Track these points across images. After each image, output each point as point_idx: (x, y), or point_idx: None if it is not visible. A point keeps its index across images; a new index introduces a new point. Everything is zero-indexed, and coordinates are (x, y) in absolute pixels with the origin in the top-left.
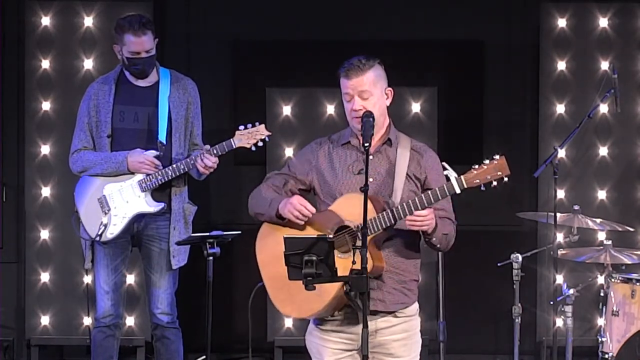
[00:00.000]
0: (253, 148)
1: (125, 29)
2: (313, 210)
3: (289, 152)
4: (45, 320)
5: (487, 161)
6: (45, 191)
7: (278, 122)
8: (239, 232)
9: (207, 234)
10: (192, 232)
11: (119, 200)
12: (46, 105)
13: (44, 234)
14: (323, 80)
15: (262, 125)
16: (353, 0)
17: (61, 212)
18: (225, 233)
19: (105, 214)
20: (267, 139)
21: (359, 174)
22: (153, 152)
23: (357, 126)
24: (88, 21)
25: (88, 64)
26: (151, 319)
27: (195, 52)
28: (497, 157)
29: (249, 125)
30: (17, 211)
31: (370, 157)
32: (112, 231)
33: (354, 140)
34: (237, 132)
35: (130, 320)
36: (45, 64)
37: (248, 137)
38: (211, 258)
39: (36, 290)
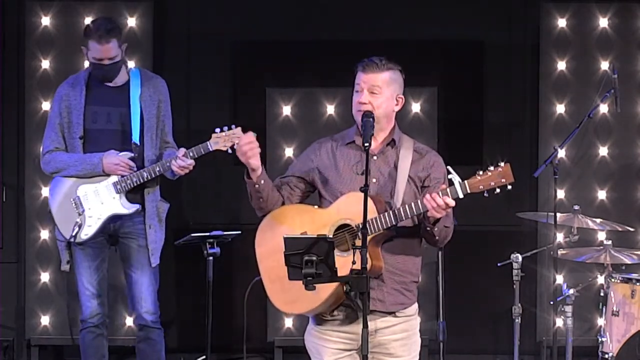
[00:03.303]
0: (229, 151)
1: (90, 34)
2: (252, 135)
3: (289, 152)
4: (45, 320)
5: (491, 167)
6: (45, 191)
7: (278, 122)
8: (239, 232)
9: (207, 234)
10: (193, 233)
11: (93, 201)
12: (46, 105)
13: (44, 234)
14: (323, 80)
15: (239, 129)
16: (353, 0)
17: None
18: (225, 233)
19: (80, 214)
20: None
21: (363, 174)
22: (128, 154)
23: (358, 119)
24: (88, 21)
25: (88, 64)
26: (135, 320)
27: (195, 52)
28: (502, 164)
29: (225, 128)
30: (17, 211)
31: (374, 157)
32: (87, 232)
33: (358, 139)
34: (213, 135)
35: (130, 321)
36: (45, 64)
37: (224, 139)
38: (211, 258)
39: (36, 290)
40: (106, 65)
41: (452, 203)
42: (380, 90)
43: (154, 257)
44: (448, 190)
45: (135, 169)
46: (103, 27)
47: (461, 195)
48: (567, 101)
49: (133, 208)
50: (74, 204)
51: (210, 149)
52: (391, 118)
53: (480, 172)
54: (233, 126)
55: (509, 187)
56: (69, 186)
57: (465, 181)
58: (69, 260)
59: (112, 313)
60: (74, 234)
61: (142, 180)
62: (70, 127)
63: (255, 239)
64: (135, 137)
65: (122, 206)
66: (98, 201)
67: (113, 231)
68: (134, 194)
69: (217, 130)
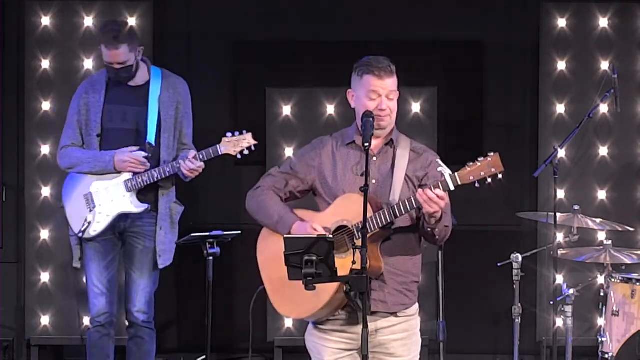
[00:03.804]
0: (239, 156)
1: (100, 38)
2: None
3: (289, 152)
4: (45, 320)
5: (481, 158)
6: (45, 191)
7: (278, 122)
8: (239, 232)
9: (207, 234)
10: (193, 233)
11: (104, 198)
12: (46, 105)
13: (44, 234)
14: (323, 80)
15: (250, 134)
16: (353, 0)
17: (61, 212)
18: (225, 233)
19: (90, 211)
20: (253, 148)
21: (363, 175)
22: (141, 153)
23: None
24: (88, 21)
25: (88, 64)
26: (127, 317)
27: (195, 52)
28: (491, 154)
29: (237, 133)
30: (17, 211)
31: (374, 158)
32: (96, 228)
33: (358, 140)
34: (223, 139)
35: None
36: (45, 64)
37: (234, 144)
38: (211, 258)
39: (36, 290)
40: (117, 69)
41: (442, 194)
42: (395, 95)
43: (162, 259)
44: (439, 182)
45: (148, 165)
46: (111, 34)
47: (452, 187)
48: (567, 101)
49: (142, 207)
50: (85, 200)
51: (220, 153)
52: None
53: (470, 163)
54: (244, 131)
55: (500, 176)
56: (82, 182)
57: (456, 173)
58: (81, 257)
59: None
60: (82, 229)
61: (152, 180)
62: (88, 124)
63: (257, 247)
64: (151, 137)
65: (132, 205)
66: (109, 198)
67: (123, 229)
68: (147, 194)
69: (229, 134)
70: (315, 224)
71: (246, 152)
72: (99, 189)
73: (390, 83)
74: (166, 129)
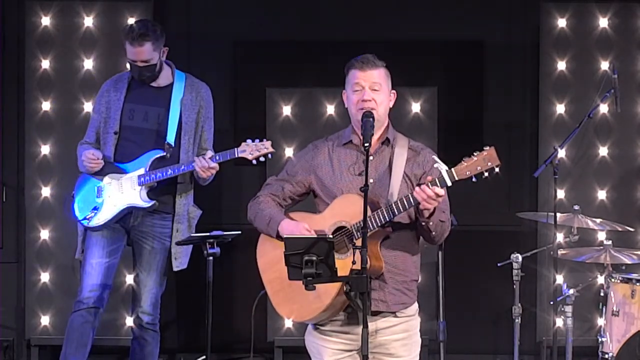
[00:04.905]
0: (254, 162)
1: (125, 35)
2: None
3: (289, 152)
4: (45, 320)
5: (477, 152)
6: (45, 191)
7: (278, 122)
8: (239, 232)
9: (207, 234)
10: (192, 232)
11: (115, 190)
12: (46, 105)
13: (44, 234)
14: (323, 80)
15: (269, 142)
16: (353, 0)
17: (61, 212)
18: (225, 233)
19: (98, 200)
20: (270, 156)
21: (360, 175)
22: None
23: (359, 117)
24: (88, 21)
25: (88, 64)
26: (133, 317)
27: (195, 52)
28: (486, 148)
29: (257, 140)
30: (17, 211)
31: (371, 157)
32: (101, 218)
33: (355, 139)
34: (243, 144)
35: (130, 321)
36: (45, 64)
37: (252, 149)
38: (211, 258)
39: (36, 290)
40: (140, 67)
41: (442, 192)
42: (381, 87)
43: (177, 262)
44: (436, 179)
45: (101, 164)
46: (136, 31)
47: (449, 183)
48: (567, 101)
49: (149, 203)
50: (96, 190)
51: (236, 155)
52: (387, 115)
53: (466, 158)
54: (264, 139)
55: (497, 170)
56: (98, 173)
57: (452, 169)
58: (84, 250)
59: (112, 313)
60: (87, 216)
61: (165, 176)
62: (107, 121)
63: (257, 251)
64: (170, 138)
65: (140, 198)
66: (119, 191)
67: (131, 228)
68: (163, 195)
69: (249, 140)
70: (305, 224)
71: (262, 158)
72: (112, 180)
73: (374, 74)
74: (186, 132)
